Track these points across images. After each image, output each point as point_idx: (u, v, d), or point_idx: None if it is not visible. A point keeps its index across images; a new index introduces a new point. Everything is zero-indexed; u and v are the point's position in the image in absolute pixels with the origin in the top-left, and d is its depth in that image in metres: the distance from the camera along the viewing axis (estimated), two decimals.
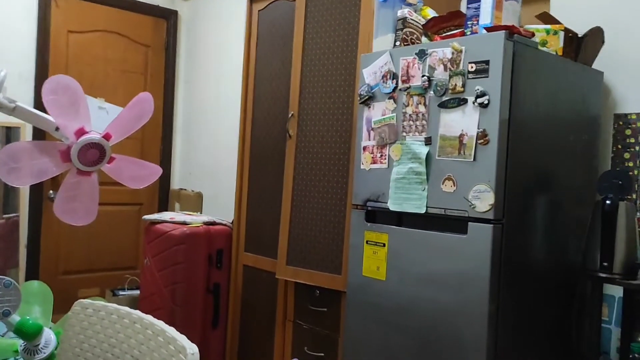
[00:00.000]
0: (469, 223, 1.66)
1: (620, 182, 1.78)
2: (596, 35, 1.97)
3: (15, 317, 1.56)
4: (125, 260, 3.95)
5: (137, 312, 1.22)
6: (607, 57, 2.01)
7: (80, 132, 1.43)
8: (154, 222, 3.05)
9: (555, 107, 1.82)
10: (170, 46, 4.17)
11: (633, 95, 1.99)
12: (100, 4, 3.83)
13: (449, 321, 1.70)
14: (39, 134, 3.45)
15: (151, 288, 2.97)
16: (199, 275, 2.95)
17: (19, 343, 1.68)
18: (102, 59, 3.86)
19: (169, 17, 4.16)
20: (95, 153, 1.45)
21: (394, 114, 1.91)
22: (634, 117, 1.98)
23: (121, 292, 3.48)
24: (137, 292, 3.29)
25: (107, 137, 1.48)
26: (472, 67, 1.67)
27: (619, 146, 2.01)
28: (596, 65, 2.01)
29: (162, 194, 4.15)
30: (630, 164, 1.97)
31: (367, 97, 2.01)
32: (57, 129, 1.44)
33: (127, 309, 1.25)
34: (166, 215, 3.15)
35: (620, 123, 2.01)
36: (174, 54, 4.18)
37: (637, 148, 1.96)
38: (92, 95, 3.70)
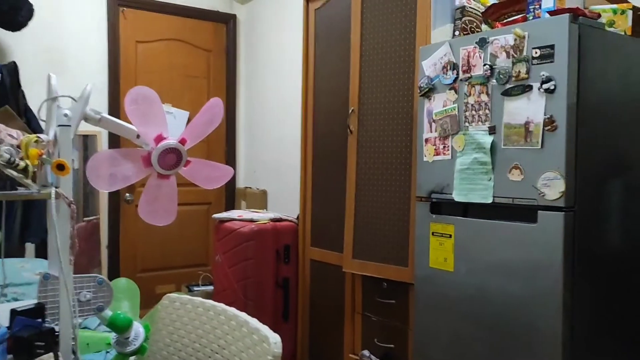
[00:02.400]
0: (539, 211, 1.64)
1: None
2: None
3: (108, 312, 1.68)
4: (197, 258, 4.13)
5: (221, 305, 1.30)
6: None
7: (159, 138, 1.53)
8: (223, 221, 3.18)
9: (627, 88, 1.76)
10: (230, 49, 4.30)
11: None
12: (164, 13, 4.01)
13: (521, 311, 1.69)
14: (114, 141, 3.66)
15: (224, 283, 3.10)
16: (268, 271, 3.05)
17: (112, 336, 1.81)
18: (167, 66, 4.04)
19: (228, 21, 4.29)
20: (172, 157, 1.55)
21: (456, 105, 1.90)
22: None
23: (195, 288, 3.65)
24: (211, 287, 3.43)
25: (182, 142, 1.57)
26: (536, 53, 1.65)
27: None
28: None
29: (229, 193, 4.30)
30: None
31: (427, 89, 2.01)
32: (138, 136, 1.54)
33: (211, 302, 1.33)
34: (234, 214, 3.28)
35: None
36: (234, 56, 4.31)
37: None
38: (161, 101, 3.89)
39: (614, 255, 1.75)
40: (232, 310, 1.26)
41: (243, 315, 1.23)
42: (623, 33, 1.79)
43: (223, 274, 3.10)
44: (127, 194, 3.80)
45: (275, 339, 1.11)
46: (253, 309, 3.00)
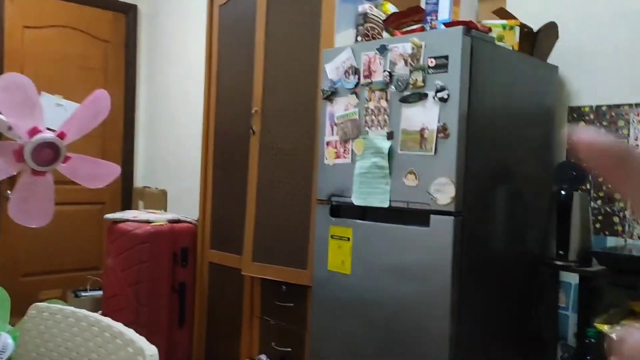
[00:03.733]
0: (431, 215, 1.68)
1: (574, 173, 1.83)
2: (550, 30, 2.02)
3: None
4: (88, 261, 3.87)
5: (95, 315, 1.19)
6: (561, 52, 2.07)
7: (34, 132, 1.39)
8: (117, 221, 2.99)
9: (512, 100, 1.87)
10: (130, 41, 4.08)
11: (586, 88, 2.05)
12: None
13: (413, 312, 1.72)
14: None
15: (114, 288, 2.92)
16: (163, 274, 2.91)
17: None
18: (61, 55, 3.75)
19: (128, 11, 4.07)
20: (49, 153, 1.41)
21: (357, 109, 1.92)
22: (587, 109, 2.04)
23: (83, 293, 3.40)
24: (100, 292, 3.22)
25: (61, 136, 1.44)
26: (431, 62, 1.70)
27: None
28: (551, 59, 2.06)
29: (125, 193, 4.07)
30: None
31: (330, 92, 2.01)
32: (9, 128, 1.39)
33: (84, 311, 1.22)
34: (129, 214, 3.10)
35: (575, 115, 2.07)
36: (134, 49, 4.10)
37: None
38: (50, 93, 3.59)
39: (499, 257, 1.84)
40: (107, 320, 1.17)
41: (118, 325, 1.14)
42: (511, 48, 1.89)
43: (115, 278, 2.92)
44: (8, 191, 3.47)
45: (151, 351, 1.03)
46: (146, 314, 2.85)
